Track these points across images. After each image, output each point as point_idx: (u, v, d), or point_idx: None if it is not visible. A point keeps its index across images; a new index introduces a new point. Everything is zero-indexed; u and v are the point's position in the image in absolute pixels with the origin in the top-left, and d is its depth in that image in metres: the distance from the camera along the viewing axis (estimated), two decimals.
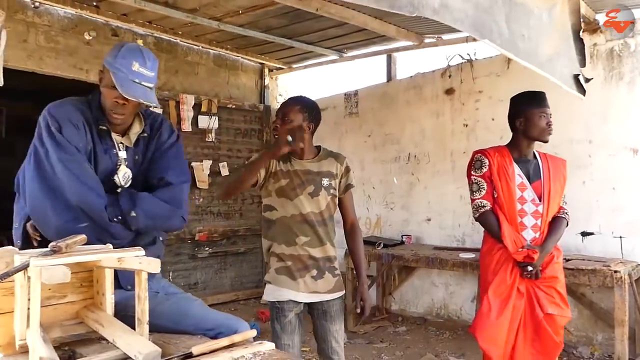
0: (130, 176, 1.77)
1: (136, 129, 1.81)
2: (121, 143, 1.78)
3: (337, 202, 2.36)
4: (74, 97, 1.77)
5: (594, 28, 3.89)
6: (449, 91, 4.79)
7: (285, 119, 2.25)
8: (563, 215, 2.62)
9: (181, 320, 1.55)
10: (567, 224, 2.62)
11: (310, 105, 2.31)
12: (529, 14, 2.67)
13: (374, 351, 4.09)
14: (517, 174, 2.56)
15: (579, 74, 3.06)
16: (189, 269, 5.34)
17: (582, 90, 3.06)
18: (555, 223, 2.59)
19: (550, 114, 2.55)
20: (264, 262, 5.98)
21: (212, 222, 5.56)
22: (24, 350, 1.27)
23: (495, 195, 2.58)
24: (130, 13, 4.65)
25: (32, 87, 5.48)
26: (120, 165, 1.76)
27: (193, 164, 5.32)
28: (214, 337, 1.44)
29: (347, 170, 2.37)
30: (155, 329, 1.43)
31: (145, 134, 1.82)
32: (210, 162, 5.47)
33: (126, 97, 1.62)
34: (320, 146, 2.39)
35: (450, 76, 4.77)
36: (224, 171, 5.58)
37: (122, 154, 1.77)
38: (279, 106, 2.34)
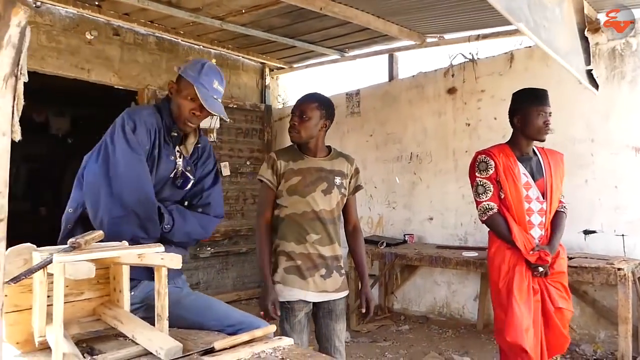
0: (185, 181, 1.93)
1: (192, 139, 1.97)
2: (178, 151, 1.93)
3: (345, 202, 2.36)
4: (147, 105, 1.94)
5: (596, 27, 3.91)
6: (451, 90, 4.81)
7: (304, 116, 2.25)
8: (562, 210, 2.65)
9: (205, 314, 1.59)
10: (566, 216, 2.66)
11: (326, 103, 2.33)
12: (545, 7, 2.67)
13: (378, 350, 4.10)
14: (523, 173, 2.56)
15: (591, 69, 3.08)
16: (191, 269, 5.33)
17: (596, 85, 3.07)
18: (556, 219, 2.61)
19: (550, 113, 2.54)
20: None
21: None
22: (44, 347, 1.27)
23: (502, 197, 2.56)
24: (133, 12, 4.65)
25: (33, 86, 5.44)
26: (179, 169, 1.92)
27: None
28: (234, 334, 1.46)
29: (357, 171, 2.39)
30: (178, 321, 1.45)
31: (199, 145, 2.00)
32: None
33: (210, 111, 1.81)
34: (330, 146, 2.40)
35: (452, 75, 4.79)
36: (225, 171, 5.58)
37: (180, 161, 1.93)
38: (294, 102, 2.34)
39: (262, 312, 2.16)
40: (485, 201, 2.58)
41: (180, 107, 1.85)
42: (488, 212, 2.58)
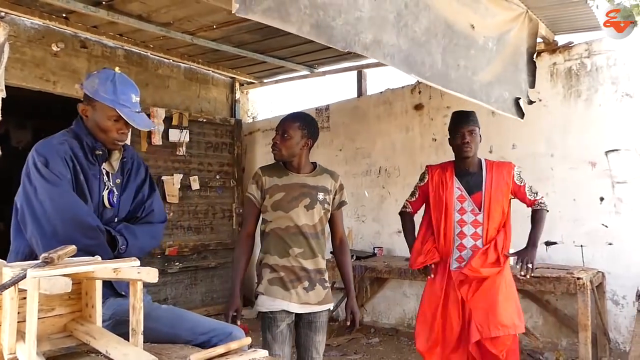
0: (118, 198, 1.89)
1: (117, 155, 1.91)
2: (104, 169, 1.87)
3: (329, 216, 2.41)
4: (58, 133, 1.86)
5: (553, 48, 4.12)
6: (418, 107, 4.94)
7: (285, 135, 2.30)
8: (539, 207, 2.83)
9: (177, 324, 1.58)
10: (547, 211, 2.85)
11: (309, 122, 2.38)
12: (471, 44, 2.85)
13: None
14: (457, 187, 2.79)
15: (519, 98, 3.28)
16: (159, 285, 5.23)
17: (521, 113, 3.26)
18: (534, 215, 2.85)
19: (470, 131, 2.70)
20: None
21: (183, 236, 5.49)
22: None
23: (430, 206, 2.85)
24: (101, 25, 4.61)
25: None
26: (108, 188, 1.86)
27: (163, 177, 5.26)
28: (208, 341, 1.46)
29: (341, 187, 2.44)
30: (150, 333, 1.44)
31: (125, 158, 1.94)
32: (181, 175, 5.43)
33: (140, 129, 1.79)
34: (316, 163, 2.46)
35: (419, 92, 4.92)
36: (195, 185, 5.55)
37: (108, 179, 1.88)
38: (279, 121, 2.39)
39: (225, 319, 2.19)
40: (407, 200, 3.01)
41: (106, 130, 1.80)
42: (403, 208, 3.01)
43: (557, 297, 4.03)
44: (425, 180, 2.89)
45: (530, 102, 3.70)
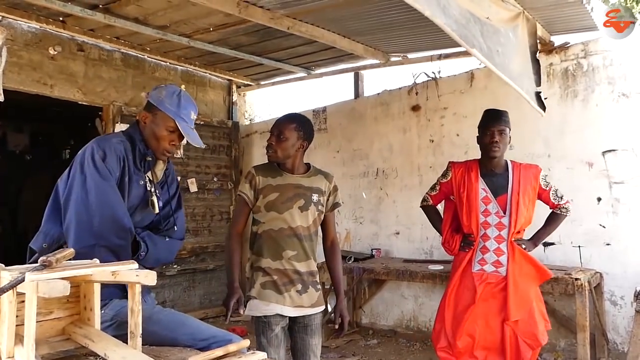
0: (158, 205, 1.95)
1: (162, 165, 2.00)
2: (148, 177, 1.96)
3: (322, 218, 2.39)
4: (114, 133, 1.99)
5: (549, 49, 4.13)
6: (415, 108, 4.95)
7: (281, 136, 2.27)
8: (559, 211, 2.86)
9: (177, 329, 1.59)
10: (567, 216, 2.91)
11: (305, 124, 2.36)
12: (498, 32, 2.81)
13: None
14: (482, 188, 2.75)
15: (540, 92, 3.23)
16: (157, 287, 5.22)
17: (543, 107, 3.22)
18: (550, 216, 2.90)
19: (500, 131, 2.70)
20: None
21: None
22: None
23: (458, 204, 2.84)
24: (98, 28, 4.60)
25: None
26: (152, 194, 1.94)
27: None
28: (207, 347, 1.47)
29: (335, 189, 2.42)
30: (150, 336, 1.45)
31: (167, 170, 2.04)
32: (179, 178, 5.40)
33: (192, 143, 1.89)
34: (309, 164, 2.43)
35: (416, 93, 4.93)
36: (193, 187, 5.54)
37: (150, 186, 1.96)
38: (274, 121, 2.38)
39: (226, 311, 2.13)
40: (428, 194, 3.02)
41: (160, 138, 1.89)
42: (424, 202, 3.04)
43: (555, 298, 4.03)
44: (449, 178, 2.86)
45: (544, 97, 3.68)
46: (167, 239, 1.97)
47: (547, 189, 2.82)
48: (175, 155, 1.99)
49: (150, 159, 1.92)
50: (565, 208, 2.86)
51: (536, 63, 3.75)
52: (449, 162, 2.95)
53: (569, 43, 4.08)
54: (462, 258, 2.82)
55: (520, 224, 2.72)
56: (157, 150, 1.91)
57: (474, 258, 2.76)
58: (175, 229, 2.01)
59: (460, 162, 2.91)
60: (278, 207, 2.25)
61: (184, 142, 1.94)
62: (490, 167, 2.77)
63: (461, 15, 2.34)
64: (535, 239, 2.88)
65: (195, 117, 1.97)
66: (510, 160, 2.85)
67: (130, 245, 1.78)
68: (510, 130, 2.78)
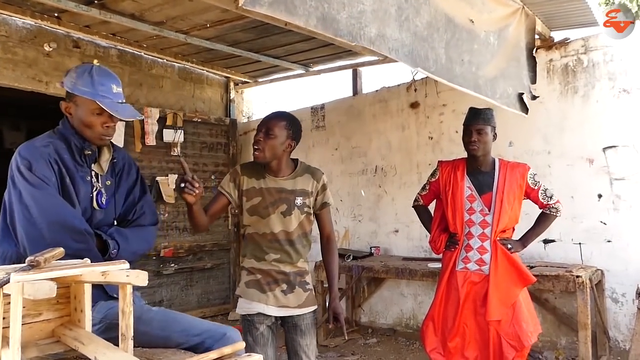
0: (107, 199, 1.84)
1: (106, 156, 1.86)
2: (93, 171, 1.83)
3: (312, 218, 2.33)
4: (43, 135, 1.81)
5: (549, 45, 4.09)
6: (414, 105, 4.90)
7: (270, 133, 2.18)
8: (548, 211, 2.80)
9: (168, 326, 1.54)
10: (557, 216, 2.83)
11: (294, 123, 2.26)
12: (474, 39, 2.81)
13: None
14: (467, 186, 2.75)
15: (523, 93, 3.23)
16: (154, 286, 5.20)
17: (525, 109, 3.21)
18: (539, 217, 2.84)
19: (478, 130, 2.67)
20: (231, 277, 5.91)
21: (178, 237, 5.44)
22: None
23: (444, 202, 2.84)
24: (94, 25, 4.55)
25: None
26: (97, 189, 1.81)
27: (158, 178, 5.22)
28: (201, 343, 1.43)
29: (324, 188, 2.32)
30: (141, 337, 1.40)
31: (116, 159, 1.90)
32: (176, 176, 5.37)
33: (123, 119, 1.75)
34: (297, 160, 2.33)
35: (415, 90, 4.89)
36: None
37: (97, 180, 1.83)
38: (261, 119, 2.29)
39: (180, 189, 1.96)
40: (419, 193, 3.04)
41: (90, 125, 1.74)
42: (415, 202, 3.06)
43: (556, 296, 4.00)
44: (437, 177, 2.87)
45: (534, 98, 3.66)
46: (138, 229, 1.87)
47: (536, 188, 2.76)
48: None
49: (90, 151, 1.78)
50: (555, 208, 2.79)
51: (532, 60, 3.72)
52: (438, 161, 2.96)
53: (569, 39, 4.05)
54: (450, 257, 2.80)
55: (504, 223, 2.68)
56: (93, 138, 1.76)
57: (458, 257, 2.75)
58: (145, 214, 1.91)
59: (449, 161, 2.91)
60: (260, 212, 2.20)
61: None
62: (476, 165, 2.75)
63: (428, 25, 2.35)
64: (524, 240, 2.81)
65: (119, 89, 1.78)
66: (499, 159, 2.82)
67: (96, 246, 1.69)
68: (494, 128, 2.73)
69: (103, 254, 1.70)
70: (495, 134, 2.77)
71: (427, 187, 2.96)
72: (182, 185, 1.93)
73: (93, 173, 1.81)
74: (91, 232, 1.69)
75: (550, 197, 2.79)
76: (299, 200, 2.23)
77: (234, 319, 5.53)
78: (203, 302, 5.67)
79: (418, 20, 2.29)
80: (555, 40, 4.09)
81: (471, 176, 2.75)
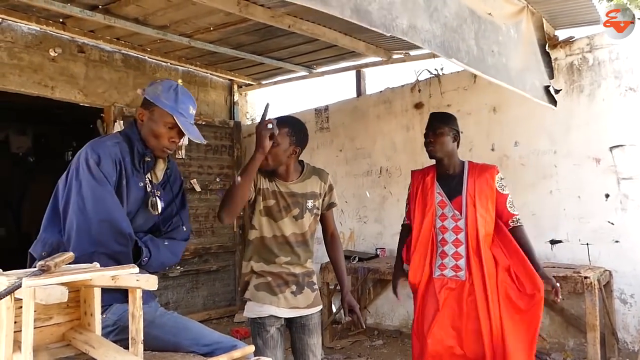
0: (161, 206, 1.90)
1: (162, 165, 1.94)
2: (148, 178, 1.89)
3: (318, 219, 2.35)
4: (111, 134, 1.91)
5: (554, 43, 4.08)
6: (418, 105, 4.90)
7: (273, 141, 2.13)
8: (516, 224, 2.66)
9: (179, 333, 1.56)
10: (523, 228, 2.68)
11: (298, 128, 2.26)
12: (498, 30, 2.78)
13: None
14: (437, 192, 2.69)
15: (549, 85, 3.18)
16: (160, 289, 5.10)
17: (553, 101, 3.16)
18: (517, 237, 2.64)
19: (434, 131, 2.63)
20: (236, 280, 5.90)
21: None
22: None
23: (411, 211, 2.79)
24: (98, 29, 4.57)
25: None
26: (152, 195, 1.88)
27: None
28: (209, 353, 1.43)
29: (331, 188, 2.35)
30: (152, 341, 1.41)
31: (168, 170, 1.96)
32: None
33: (191, 139, 1.82)
34: (303, 162, 2.34)
35: (419, 91, 4.89)
36: (196, 188, 5.50)
37: (150, 188, 1.89)
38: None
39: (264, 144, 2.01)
40: (405, 211, 2.93)
41: (158, 136, 1.82)
42: (403, 221, 2.95)
43: (564, 297, 3.97)
44: (409, 188, 2.84)
45: (557, 92, 3.60)
46: (170, 241, 1.90)
47: (504, 193, 2.66)
48: (175, 154, 1.92)
49: (150, 159, 1.85)
50: (518, 219, 2.68)
51: (546, 56, 3.69)
52: (411, 171, 2.90)
53: (573, 37, 4.03)
54: (422, 266, 2.73)
55: (478, 227, 2.58)
56: (156, 149, 1.84)
57: (434, 263, 2.69)
58: (184, 229, 1.96)
59: (419, 170, 2.87)
60: (274, 215, 2.21)
61: (185, 141, 1.89)
62: (443, 169, 2.70)
63: (456, 16, 2.32)
64: (538, 267, 2.61)
65: (194, 112, 1.90)
66: (469, 162, 2.75)
67: (132, 251, 1.73)
68: (455, 130, 2.67)
69: (134, 260, 1.74)
70: (459, 139, 2.70)
71: (407, 202, 2.89)
72: (270, 126, 2.01)
73: (147, 180, 1.87)
74: (134, 238, 1.73)
75: (514, 207, 2.69)
76: (309, 203, 2.26)
77: (239, 320, 5.53)
78: (209, 304, 5.67)
79: (446, 10, 2.26)
80: (559, 39, 4.08)
81: (441, 181, 2.70)
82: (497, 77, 2.59)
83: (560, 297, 2.64)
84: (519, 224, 2.68)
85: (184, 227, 1.96)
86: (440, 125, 2.64)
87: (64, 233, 1.69)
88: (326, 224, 2.41)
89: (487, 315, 2.55)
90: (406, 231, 2.89)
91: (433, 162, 2.78)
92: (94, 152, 1.72)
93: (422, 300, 2.71)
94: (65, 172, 1.77)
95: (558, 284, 2.62)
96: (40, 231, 1.77)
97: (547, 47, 3.34)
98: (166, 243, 1.89)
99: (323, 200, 2.33)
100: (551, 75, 3.43)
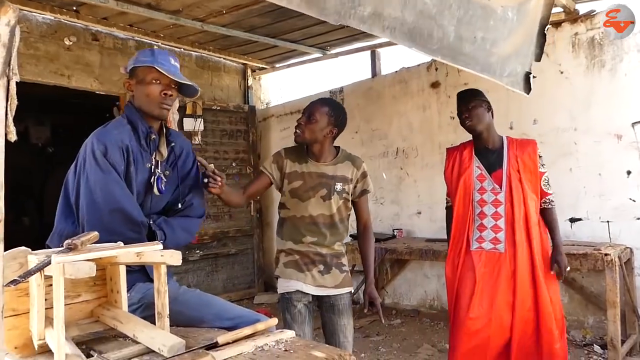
0: (166, 186, 1.88)
1: (163, 141, 1.90)
2: (154, 158, 1.87)
3: (349, 205, 2.38)
4: (114, 121, 1.87)
5: (574, 18, 3.99)
6: (435, 84, 4.85)
7: (311, 118, 2.27)
8: (548, 206, 2.66)
9: (203, 309, 1.59)
10: (554, 209, 2.67)
11: (339, 111, 2.34)
12: (490, 14, 2.69)
13: (371, 344, 4.12)
14: (476, 166, 2.69)
15: (530, 72, 3.12)
16: (181, 272, 5.29)
17: (528, 89, 3.08)
18: (546, 217, 2.65)
19: (467, 107, 2.63)
20: (255, 262, 5.97)
21: (202, 224, 5.50)
22: (44, 350, 1.25)
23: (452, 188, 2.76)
24: (111, 16, 4.59)
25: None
26: (156, 175, 1.85)
27: None
28: (233, 327, 1.45)
29: (364, 175, 2.38)
30: (176, 316, 1.44)
31: (174, 145, 1.93)
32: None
33: (180, 81, 1.79)
34: (339, 147, 2.40)
35: (436, 69, 4.83)
36: None
37: (157, 166, 1.87)
38: (308, 104, 2.35)
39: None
40: (446, 194, 2.87)
41: (150, 94, 1.80)
42: (447, 203, 2.89)
43: (583, 275, 3.95)
44: (445, 166, 2.82)
45: (534, 77, 3.54)
46: (184, 220, 1.89)
47: (542, 171, 2.64)
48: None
49: (155, 136, 1.84)
50: (552, 199, 2.67)
51: (542, 37, 3.61)
52: (446, 149, 2.89)
53: (594, 11, 3.93)
54: (460, 239, 2.71)
55: (519, 200, 2.57)
56: (153, 108, 1.80)
57: (472, 237, 2.68)
58: (193, 206, 1.93)
59: (454, 146, 2.86)
60: (301, 195, 2.28)
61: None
62: (482, 144, 2.69)
63: (438, 2, 2.23)
64: (559, 248, 2.61)
65: (177, 64, 1.86)
66: (507, 137, 2.75)
67: (146, 236, 1.74)
68: (487, 103, 2.67)
69: None
70: (492, 111, 2.69)
71: (446, 183, 2.85)
72: (206, 180, 1.96)
73: (154, 160, 1.85)
74: (146, 224, 1.74)
75: (549, 186, 2.67)
76: (338, 186, 2.30)
77: (259, 302, 5.61)
78: (229, 287, 5.75)
79: None
80: (580, 13, 3.98)
81: (479, 156, 2.70)
82: (469, 65, 2.51)
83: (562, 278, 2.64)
84: (550, 206, 2.66)
85: (193, 204, 1.93)
86: (472, 99, 2.66)
87: (78, 224, 1.71)
88: (359, 213, 2.44)
89: (531, 285, 2.55)
90: (451, 212, 2.83)
91: (450, 144, 2.76)
92: (99, 142, 1.71)
93: (460, 275, 2.67)
94: (74, 163, 1.76)
95: (568, 268, 2.61)
96: (55, 223, 1.77)
97: (546, 29, 3.24)
98: (180, 222, 1.87)
99: (355, 186, 2.36)
100: (539, 57, 3.36)
